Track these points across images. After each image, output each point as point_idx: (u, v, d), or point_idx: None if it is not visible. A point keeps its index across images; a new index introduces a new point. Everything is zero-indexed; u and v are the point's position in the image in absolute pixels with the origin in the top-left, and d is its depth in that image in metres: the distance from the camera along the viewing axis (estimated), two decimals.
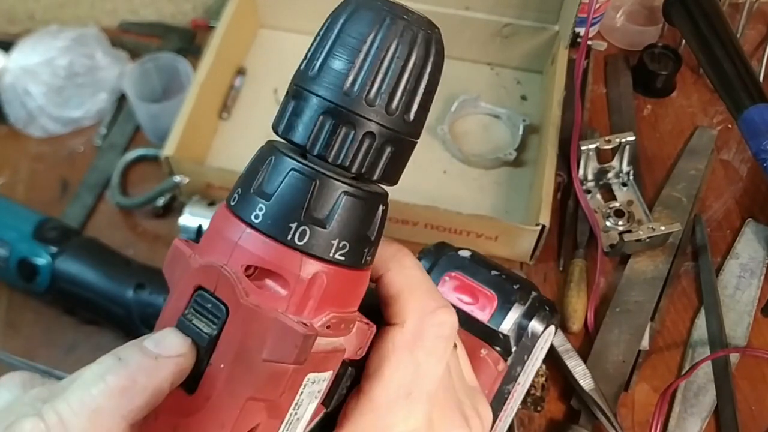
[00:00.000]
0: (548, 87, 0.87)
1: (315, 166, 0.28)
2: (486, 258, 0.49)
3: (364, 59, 0.28)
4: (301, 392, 0.29)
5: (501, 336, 0.45)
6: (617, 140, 0.79)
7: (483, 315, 0.46)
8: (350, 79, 0.28)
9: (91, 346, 0.72)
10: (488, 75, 0.94)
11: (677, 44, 0.93)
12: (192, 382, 0.28)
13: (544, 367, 0.68)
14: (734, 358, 0.71)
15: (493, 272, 0.48)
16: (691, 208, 0.80)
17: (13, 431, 0.25)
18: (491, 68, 0.95)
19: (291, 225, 0.28)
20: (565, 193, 0.82)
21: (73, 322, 0.73)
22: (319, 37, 0.29)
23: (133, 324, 0.68)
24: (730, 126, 0.88)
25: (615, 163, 0.81)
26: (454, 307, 0.46)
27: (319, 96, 0.28)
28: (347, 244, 0.29)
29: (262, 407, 0.29)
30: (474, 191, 0.84)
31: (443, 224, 0.76)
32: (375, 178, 0.29)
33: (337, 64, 0.28)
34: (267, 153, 0.29)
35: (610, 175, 0.82)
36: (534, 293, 0.47)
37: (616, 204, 0.79)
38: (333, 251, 0.29)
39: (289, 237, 0.28)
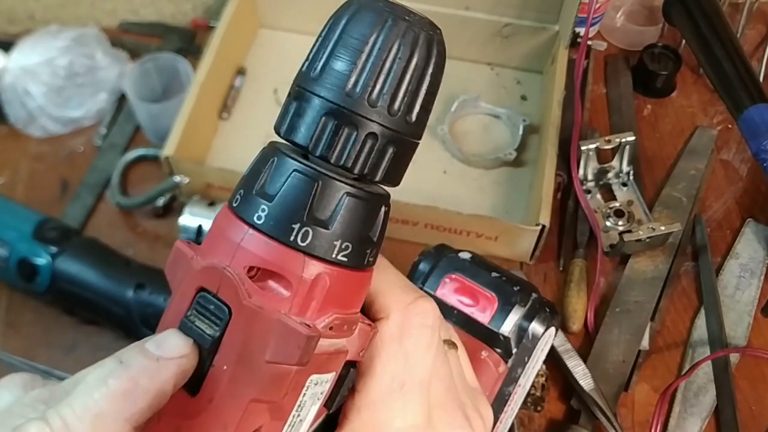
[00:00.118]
0: (548, 87, 0.87)
1: (317, 167, 0.28)
2: (486, 260, 0.49)
3: (366, 60, 0.28)
4: (304, 394, 0.29)
5: (502, 338, 0.46)
6: (617, 140, 0.79)
7: (483, 317, 0.46)
8: (352, 80, 0.28)
9: (91, 346, 0.72)
10: (488, 75, 0.94)
11: (677, 44, 0.93)
12: (195, 383, 0.29)
13: (544, 367, 0.68)
14: (734, 358, 0.71)
15: (494, 274, 0.48)
16: (691, 208, 0.80)
17: None
18: (491, 68, 0.95)
19: (294, 226, 0.28)
20: (565, 193, 0.82)
21: (73, 322, 0.73)
22: (321, 38, 0.29)
23: (133, 324, 0.68)
24: (730, 126, 0.88)
25: (615, 163, 0.81)
26: (455, 309, 0.46)
27: (322, 97, 0.28)
28: (350, 245, 0.29)
29: (265, 409, 0.29)
30: (474, 191, 0.84)
31: (443, 224, 0.76)
32: (377, 179, 0.29)
33: (339, 65, 0.28)
34: (269, 154, 0.29)
35: (610, 175, 0.82)
36: (534, 295, 0.47)
37: (616, 204, 0.79)
38: (336, 252, 0.29)
39: (292, 238, 0.28)
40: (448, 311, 0.46)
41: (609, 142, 0.79)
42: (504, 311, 0.46)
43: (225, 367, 0.28)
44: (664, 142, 0.88)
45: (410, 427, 0.33)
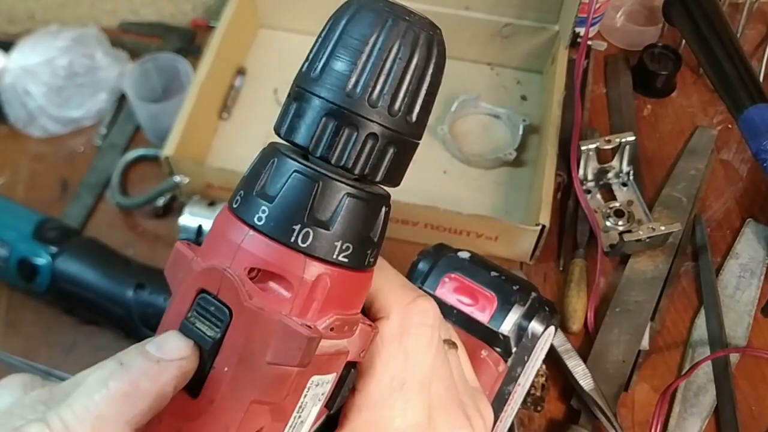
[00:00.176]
0: (548, 87, 0.87)
1: (318, 168, 0.28)
2: (485, 259, 0.49)
3: (367, 60, 0.28)
4: (305, 395, 0.29)
5: (501, 337, 0.46)
6: (617, 140, 0.79)
7: (483, 316, 0.46)
8: (353, 80, 0.28)
9: (91, 346, 0.72)
10: (488, 75, 0.94)
11: (677, 44, 0.93)
12: (195, 385, 0.28)
13: (544, 367, 0.68)
14: (734, 358, 0.71)
15: (493, 273, 0.48)
16: (691, 208, 0.80)
17: None
18: (491, 68, 0.95)
19: (294, 227, 0.28)
20: (565, 193, 0.82)
21: (73, 322, 0.73)
22: (320, 39, 0.29)
23: (133, 324, 0.68)
24: (730, 126, 0.88)
25: (615, 163, 0.81)
26: (455, 308, 0.46)
27: (322, 97, 0.28)
28: (350, 246, 0.29)
29: (266, 410, 0.29)
30: (474, 191, 0.84)
31: (443, 224, 0.76)
32: (378, 179, 0.29)
33: (339, 65, 0.28)
34: (269, 155, 0.29)
35: (610, 175, 0.82)
36: (533, 294, 0.47)
37: (616, 204, 0.79)
38: (336, 253, 0.29)
39: (293, 239, 0.28)
40: (447, 311, 0.46)
41: (609, 142, 0.79)
42: (503, 310, 0.46)
43: (226, 369, 0.28)
44: (664, 142, 0.88)
45: (411, 426, 0.33)
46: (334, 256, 0.29)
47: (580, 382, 0.67)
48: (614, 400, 0.68)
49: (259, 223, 0.28)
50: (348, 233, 0.29)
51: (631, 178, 0.82)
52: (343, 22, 0.28)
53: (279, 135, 0.30)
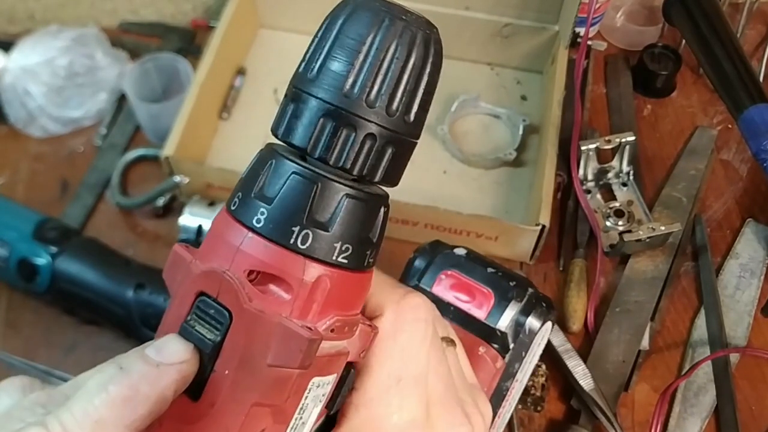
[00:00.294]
0: (548, 87, 0.87)
1: (316, 169, 0.28)
2: (481, 255, 0.49)
3: (364, 60, 0.27)
4: (306, 396, 0.29)
5: (498, 333, 0.46)
6: (617, 140, 0.79)
7: (480, 313, 0.46)
8: (350, 80, 0.28)
9: (91, 346, 0.72)
10: (488, 75, 0.94)
11: (677, 44, 0.93)
12: (196, 388, 0.28)
13: (544, 367, 0.68)
14: (734, 358, 0.71)
15: (489, 270, 0.48)
16: (691, 208, 0.80)
17: None
18: (491, 68, 0.94)
19: (293, 229, 0.28)
20: (565, 193, 0.82)
21: (73, 322, 0.73)
22: (317, 39, 0.29)
23: (133, 324, 0.68)
24: (730, 126, 0.88)
25: (615, 163, 0.81)
26: (452, 305, 0.46)
27: (319, 98, 0.28)
28: (350, 247, 0.29)
29: (267, 412, 0.29)
30: (474, 191, 0.84)
31: (443, 224, 0.76)
32: (376, 179, 0.29)
33: (336, 65, 0.28)
34: (267, 156, 0.29)
35: (610, 175, 0.82)
36: (530, 290, 0.47)
37: (616, 204, 0.79)
38: (336, 254, 0.29)
39: (292, 241, 0.28)
40: (444, 308, 0.46)
41: (609, 142, 0.79)
42: (500, 307, 0.46)
43: (226, 372, 0.28)
44: (664, 142, 0.88)
45: (408, 421, 0.33)
46: (334, 258, 0.29)
47: (580, 382, 0.67)
48: (614, 400, 0.68)
49: (258, 225, 0.28)
50: (347, 234, 0.29)
51: (631, 178, 0.82)
52: (340, 21, 0.28)
53: (276, 136, 0.29)
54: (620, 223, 0.78)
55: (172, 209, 0.81)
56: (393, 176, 0.30)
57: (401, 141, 0.29)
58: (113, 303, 0.69)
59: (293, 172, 0.28)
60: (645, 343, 0.71)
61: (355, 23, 0.28)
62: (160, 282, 0.68)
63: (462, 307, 0.46)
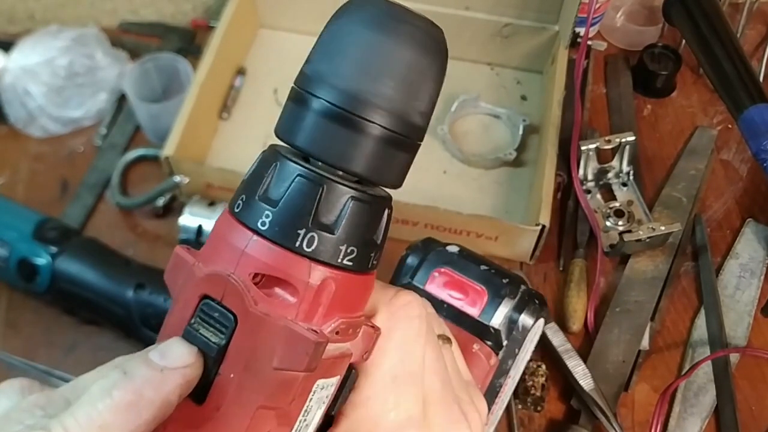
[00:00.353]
0: (548, 87, 0.87)
1: (321, 172, 0.28)
2: (474, 253, 0.49)
3: (368, 62, 0.27)
4: (311, 398, 0.29)
5: (492, 330, 0.46)
6: (617, 140, 0.79)
7: (474, 310, 0.46)
8: (354, 81, 0.27)
9: (91, 346, 0.72)
10: (488, 75, 0.94)
11: (677, 44, 0.93)
12: (201, 392, 0.28)
13: (544, 367, 0.68)
14: (734, 358, 0.71)
15: (482, 267, 0.48)
16: (691, 208, 0.80)
17: None
18: (491, 68, 0.94)
19: (299, 232, 0.28)
20: (565, 193, 0.82)
21: (73, 322, 0.73)
22: (320, 40, 0.28)
23: (133, 324, 0.68)
24: (730, 126, 0.88)
25: (615, 163, 0.81)
26: (445, 303, 0.46)
27: (323, 99, 0.28)
28: (355, 249, 0.29)
29: (272, 415, 0.28)
30: (474, 191, 0.84)
31: (443, 224, 0.76)
32: (380, 181, 0.29)
33: (340, 66, 0.28)
34: (271, 158, 0.29)
35: (610, 175, 0.82)
36: (523, 287, 0.48)
37: (616, 204, 0.79)
38: (341, 257, 0.28)
39: (297, 244, 0.28)
40: (438, 305, 0.46)
41: (609, 142, 0.79)
42: (494, 304, 0.46)
43: (232, 375, 0.28)
44: (664, 142, 0.88)
45: (405, 419, 0.33)
46: (339, 260, 0.28)
47: (580, 382, 0.67)
48: (614, 400, 0.68)
49: (263, 228, 0.28)
50: (352, 236, 0.29)
51: (631, 178, 0.82)
52: (343, 22, 0.28)
53: (279, 137, 0.29)
54: (620, 223, 0.78)
55: (172, 209, 0.81)
56: (397, 178, 0.30)
57: (405, 143, 0.29)
58: (113, 303, 0.69)
59: (299, 175, 0.28)
60: (645, 343, 0.71)
61: (358, 24, 0.28)
62: (160, 282, 0.68)
63: (455, 305, 0.46)
